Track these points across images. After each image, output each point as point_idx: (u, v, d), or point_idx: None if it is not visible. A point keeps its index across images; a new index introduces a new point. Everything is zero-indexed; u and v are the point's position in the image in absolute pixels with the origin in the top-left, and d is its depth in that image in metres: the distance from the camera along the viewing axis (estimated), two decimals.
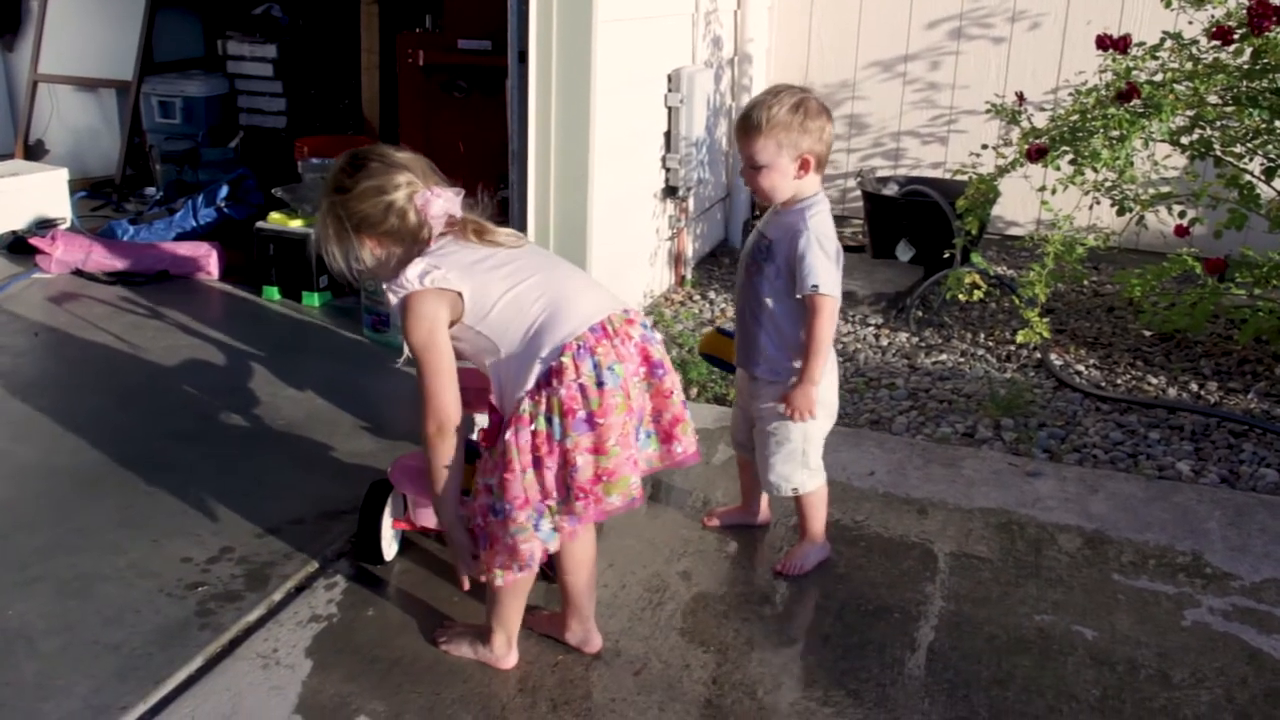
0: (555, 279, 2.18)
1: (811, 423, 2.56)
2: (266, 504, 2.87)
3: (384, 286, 2.12)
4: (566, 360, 2.04)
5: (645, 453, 2.21)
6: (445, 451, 2.13)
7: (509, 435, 2.07)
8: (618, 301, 2.20)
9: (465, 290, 2.09)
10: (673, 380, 2.21)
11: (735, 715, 2.18)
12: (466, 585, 2.26)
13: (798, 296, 2.44)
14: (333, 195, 2.15)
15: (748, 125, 2.42)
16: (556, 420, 2.04)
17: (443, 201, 2.14)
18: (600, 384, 2.04)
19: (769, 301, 2.50)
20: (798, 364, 2.51)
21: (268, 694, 2.19)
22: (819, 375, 2.48)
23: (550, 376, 2.05)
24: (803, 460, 2.60)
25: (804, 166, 2.42)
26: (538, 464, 2.06)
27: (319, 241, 2.21)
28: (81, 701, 2.13)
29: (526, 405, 2.06)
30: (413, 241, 2.15)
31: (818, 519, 2.69)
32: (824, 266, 2.42)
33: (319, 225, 2.21)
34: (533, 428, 2.05)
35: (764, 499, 2.84)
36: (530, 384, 2.07)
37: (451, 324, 2.12)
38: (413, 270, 2.07)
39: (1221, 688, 2.28)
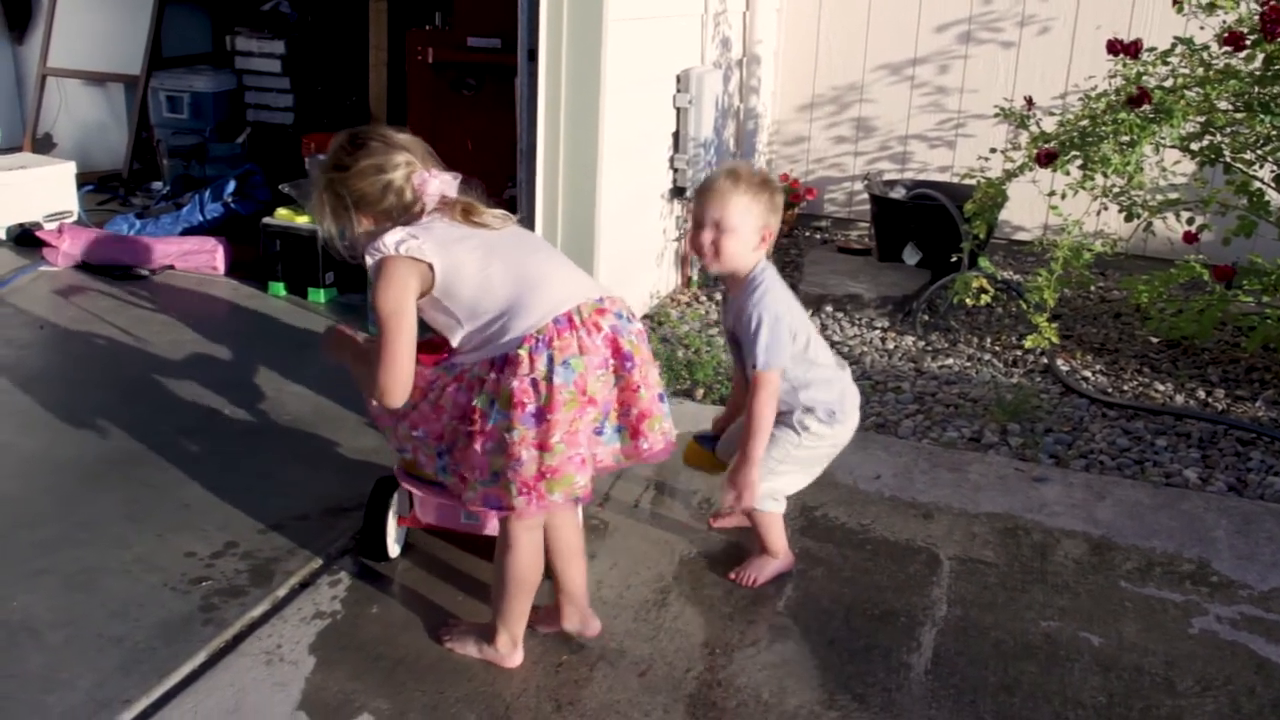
0: (529, 265, 2.18)
1: (797, 452, 2.57)
2: (271, 500, 2.86)
3: (366, 254, 2.13)
4: (523, 353, 2.06)
5: (613, 448, 2.22)
6: (370, 396, 2.17)
7: (451, 388, 2.14)
8: (593, 289, 2.20)
9: (437, 264, 2.10)
10: (643, 374, 2.19)
11: (740, 717, 2.17)
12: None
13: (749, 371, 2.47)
14: (332, 172, 2.17)
15: (718, 186, 2.41)
16: (498, 408, 2.07)
17: (439, 183, 2.17)
18: (549, 379, 2.05)
19: None
20: (794, 402, 2.53)
21: (271, 690, 2.18)
22: (757, 455, 2.46)
23: (505, 364, 2.07)
24: (765, 478, 2.56)
25: (763, 241, 2.45)
26: (469, 436, 2.11)
27: (312, 212, 2.28)
28: (85, 694, 2.13)
29: (476, 372, 2.12)
30: (404, 218, 2.17)
31: (776, 535, 2.67)
32: (769, 344, 2.42)
33: (315, 200, 2.23)
34: (474, 403, 2.10)
35: None
36: (485, 357, 2.11)
37: (421, 296, 2.13)
38: (390, 237, 2.09)
39: (1228, 697, 2.27)
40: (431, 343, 2.30)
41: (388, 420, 2.27)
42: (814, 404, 2.53)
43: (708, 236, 2.43)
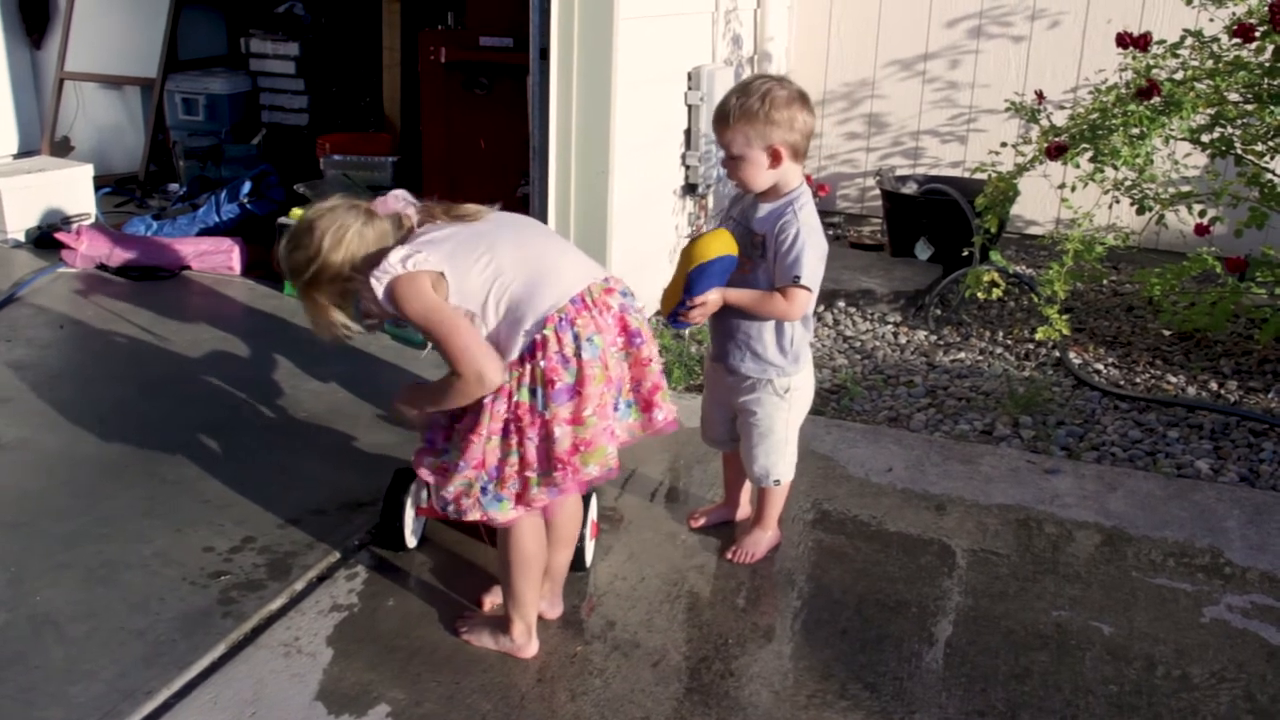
0: (533, 251, 2.22)
1: (793, 415, 2.61)
2: (288, 494, 2.90)
3: (370, 278, 2.11)
4: (549, 333, 2.10)
5: (626, 423, 2.26)
6: (474, 396, 2.13)
7: (486, 401, 2.12)
8: (596, 269, 2.25)
9: (446, 269, 2.12)
10: (651, 349, 2.26)
11: (753, 707, 2.19)
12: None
13: (777, 285, 2.44)
14: (305, 274, 2.15)
15: (718, 115, 2.43)
16: (540, 391, 2.10)
17: (394, 198, 2.19)
18: (579, 355, 2.10)
19: None
20: (783, 359, 2.53)
21: (289, 681, 2.21)
22: (736, 304, 2.46)
23: (534, 349, 2.10)
24: (783, 451, 2.63)
25: (775, 158, 2.40)
26: (520, 434, 2.12)
27: (325, 327, 2.22)
28: (108, 685, 2.16)
29: (508, 376, 2.12)
30: (397, 239, 2.17)
31: (777, 510, 2.72)
32: (810, 261, 2.41)
33: (314, 313, 2.21)
34: (516, 399, 2.11)
35: (745, 493, 2.86)
36: (514, 356, 2.12)
37: None
38: (395, 256, 2.10)
39: (1240, 685, 2.28)
40: None
41: (436, 477, 2.25)
42: (791, 341, 2.53)
43: (727, 162, 2.46)
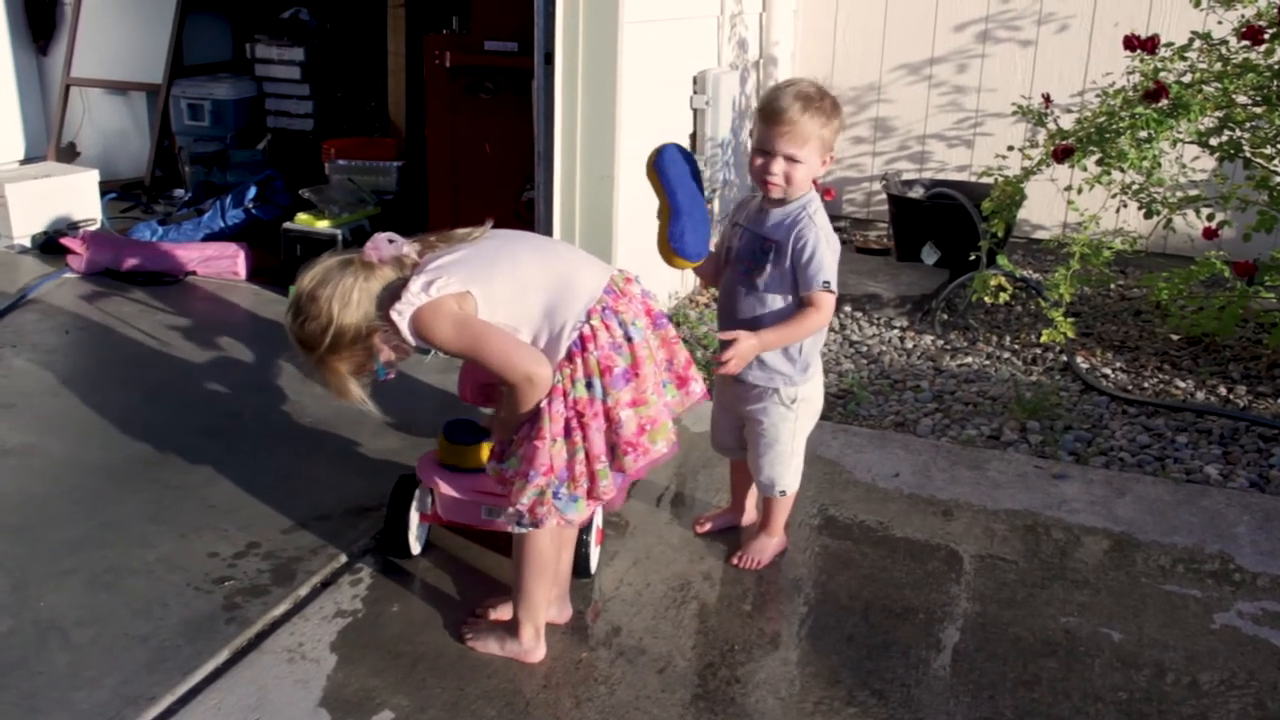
0: (551, 256, 2.25)
1: (800, 425, 2.59)
2: (293, 500, 2.89)
3: (391, 313, 2.09)
4: (596, 323, 2.11)
5: (666, 400, 2.27)
6: (533, 399, 2.12)
7: (543, 404, 2.12)
8: (610, 266, 2.27)
9: (472, 288, 2.11)
10: (673, 329, 2.31)
11: (759, 713, 2.18)
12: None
13: (803, 294, 2.42)
14: (326, 338, 2.09)
15: (784, 116, 2.32)
16: (596, 382, 2.11)
17: (384, 241, 2.15)
18: (629, 339, 2.13)
19: (771, 303, 2.46)
20: (791, 368, 2.51)
21: (293, 687, 2.20)
22: (774, 345, 2.45)
23: (583, 343, 2.11)
24: (789, 462, 2.61)
25: (825, 163, 2.42)
26: (583, 430, 2.12)
27: (347, 393, 2.18)
28: (111, 692, 2.15)
29: (558, 376, 2.12)
30: (402, 279, 2.13)
31: (784, 516, 2.72)
32: (831, 264, 2.41)
33: (336, 382, 2.16)
34: (573, 396, 2.11)
35: (750, 499, 2.85)
36: (561, 356, 2.12)
37: None
38: (414, 286, 2.07)
39: (1251, 693, 2.26)
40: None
41: (512, 481, 2.21)
42: (799, 350, 2.51)
43: (779, 167, 2.37)
